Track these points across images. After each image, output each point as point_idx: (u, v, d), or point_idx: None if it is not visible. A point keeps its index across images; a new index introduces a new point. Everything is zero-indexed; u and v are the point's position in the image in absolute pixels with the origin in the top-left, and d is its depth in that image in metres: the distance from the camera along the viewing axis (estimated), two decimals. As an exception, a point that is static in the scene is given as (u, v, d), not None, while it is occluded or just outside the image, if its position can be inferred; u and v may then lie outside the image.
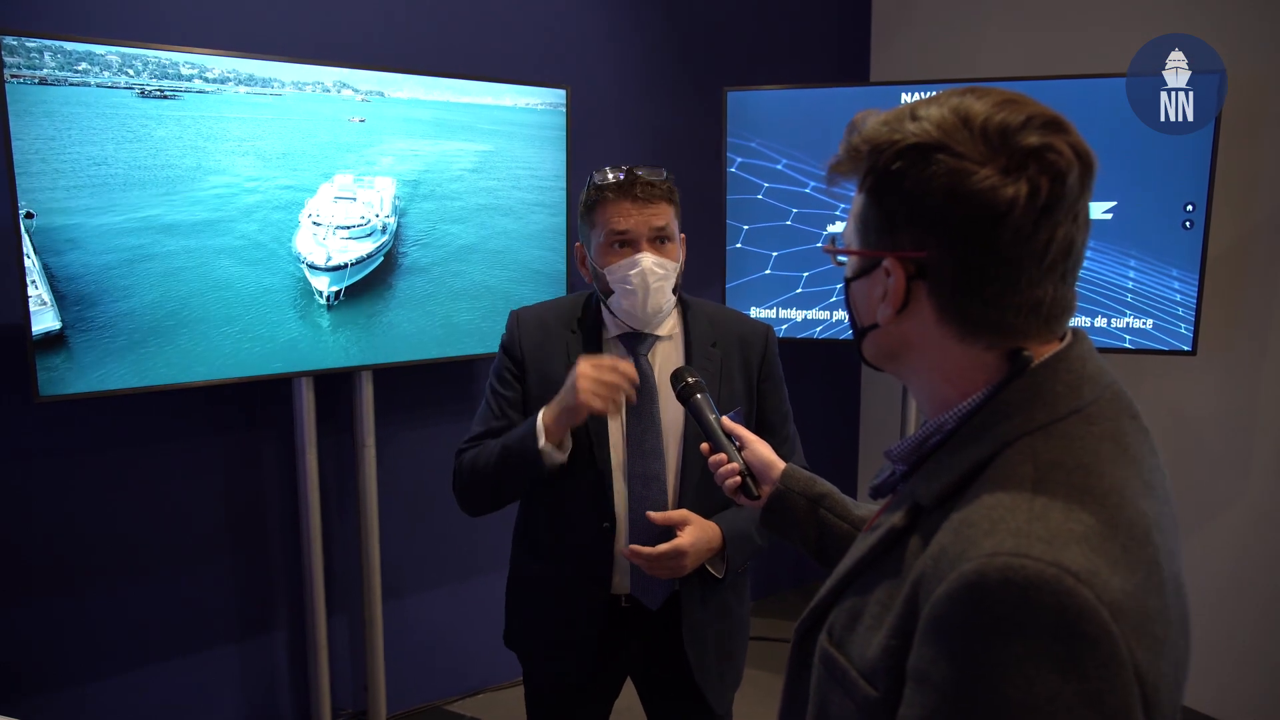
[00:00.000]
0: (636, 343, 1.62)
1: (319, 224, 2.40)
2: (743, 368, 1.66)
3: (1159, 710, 0.66)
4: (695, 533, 1.52)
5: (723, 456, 1.29)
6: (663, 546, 1.49)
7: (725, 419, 1.33)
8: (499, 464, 1.54)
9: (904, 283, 0.76)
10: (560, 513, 1.64)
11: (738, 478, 1.27)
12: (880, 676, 0.73)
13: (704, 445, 1.33)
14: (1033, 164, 0.70)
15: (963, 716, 0.64)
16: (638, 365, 1.60)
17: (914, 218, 0.74)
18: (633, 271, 1.53)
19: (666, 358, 1.64)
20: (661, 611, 1.63)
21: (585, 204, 1.59)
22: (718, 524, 1.56)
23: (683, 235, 1.65)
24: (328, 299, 2.40)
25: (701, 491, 1.58)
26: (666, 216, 1.56)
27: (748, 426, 1.62)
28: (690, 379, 1.40)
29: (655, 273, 1.53)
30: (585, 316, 1.66)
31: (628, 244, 1.54)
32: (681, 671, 1.64)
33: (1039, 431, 0.73)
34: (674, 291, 1.60)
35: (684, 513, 1.53)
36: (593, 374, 1.43)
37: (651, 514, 1.53)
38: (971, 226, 0.72)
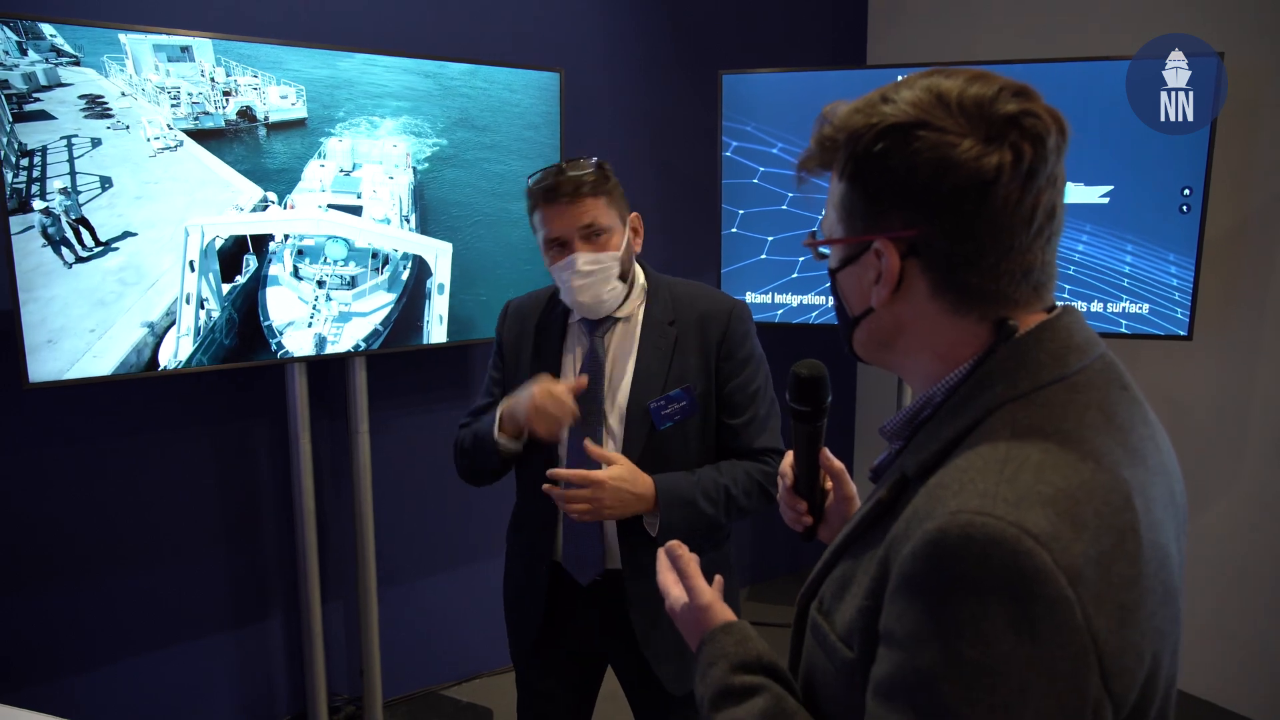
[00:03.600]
0: (595, 325, 1.68)
1: (302, 277, 2.12)
2: (700, 346, 1.66)
3: (1121, 680, 0.66)
4: (619, 472, 1.55)
5: (802, 505, 1.11)
6: (578, 472, 1.53)
7: (825, 451, 1.09)
8: (471, 447, 1.70)
9: (898, 262, 0.76)
10: (521, 486, 1.77)
11: (802, 526, 1.13)
12: (855, 637, 0.75)
13: (789, 469, 1.13)
14: (1013, 131, 0.72)
15: (923, 672, 0.65)
16: (592, 346, 1.66)
17: (902, 196, 0.75)
18: (566, 272, 1.60)
19: (622, 338, 1.68)
20: (611, 585, 1.66)
21: (528, 208, 1.66)
22: (653, 480, 1.59)
23: (634, 215, 1.68)
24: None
25: (641, 469, 1.62)
26: (595, 211, 1.59)
27: (702, 405, 1.66)
28: (828, 402, 1.06)
29: (586, 269, 1.59)
30: (556, 305, 1.73)
31: (562, 244, 1.61)
32: (638, 649, 1.67)
33: (1021, 399, 0.74)
34: (622, 277, 1.63)
35: (618, 455, 1.58)
36: (539, 402, 1.53)
37: (589, 444, 1.57)
38: (961, 198, 0.72)
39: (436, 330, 2.55)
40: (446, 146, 2.53)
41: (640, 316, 1.68)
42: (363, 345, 2.35)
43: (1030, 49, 3.07)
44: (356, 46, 2.40)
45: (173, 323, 1.94)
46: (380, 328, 2.37)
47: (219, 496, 2.56)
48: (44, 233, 1.77)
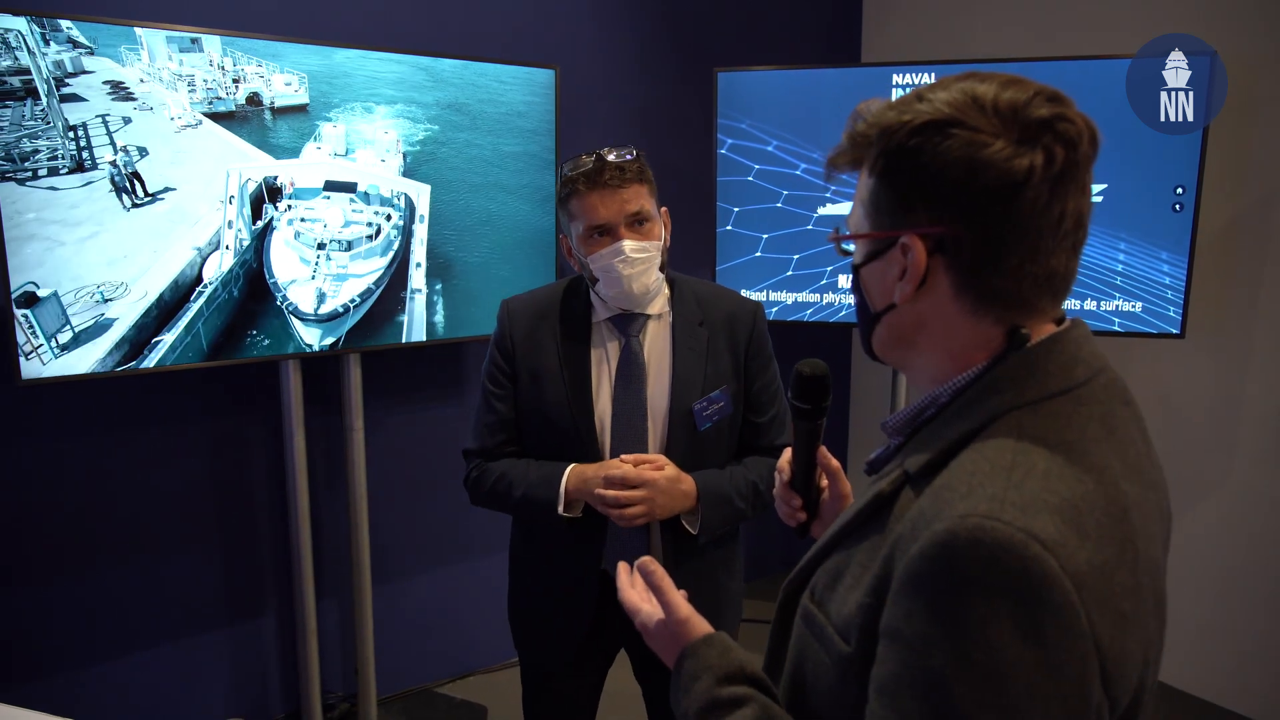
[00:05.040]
0: (627, 323, 1.64)
1: (303, 240, 2.33)
2: (730, 346, 1.67)
3: (1119, 685, 0.68)
4: (670, 472, 1.57)
5: (797, 500, 1.15)
6: (637, 472, 1.53)
7: (823, 449, 1.12)
8: (519, 504, 1.65)
9: (925, 257, 0.77)
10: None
11: (796, 521, 1.17)
12: (853, 632, 0.75)
13: (786, 465, 1.15)
14: (1046, 134, 0.72)
15: (928, 673, 0.66)
16: (630, 346, 1.63)
17: (931, 193, 0.75)
18: (616, 259, 1.55)
19: (655, 337, 1.66)
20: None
21: (560, 196, 1.61)
22: (694, 479, 1.60)
23: (664, 210, 1.65)
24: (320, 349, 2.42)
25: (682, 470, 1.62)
26: (640, 198, 1.57)
27: (735, 405, 1.66)
28: (828, 401, 1.10)
29: (636, 258, 1.55)
30: (574, 303, 1.67)
31: (606, 232, 1.56)
32: None
33: (1027, 407, 0.75)
34: (661, 269, 1.62)
35: (661, 456, 1.58)
36: (611, 498, 1.53)
37: (625, 456, 1.57)
38: (990, 197, 0.73)
39: (420, 252, 2.60)
40: (440, 139, 2.53)
41: (669, 315, 1.67)
42: (358, 300, 2.48)
43: (1024, 47, 3.08)
44: (353, 43, 2.39)
45: (215, 249, 2.25)
46: (373, 286, 2.48)
47: (213, 493, 2.55)
48: (111, 181, 2.11)
